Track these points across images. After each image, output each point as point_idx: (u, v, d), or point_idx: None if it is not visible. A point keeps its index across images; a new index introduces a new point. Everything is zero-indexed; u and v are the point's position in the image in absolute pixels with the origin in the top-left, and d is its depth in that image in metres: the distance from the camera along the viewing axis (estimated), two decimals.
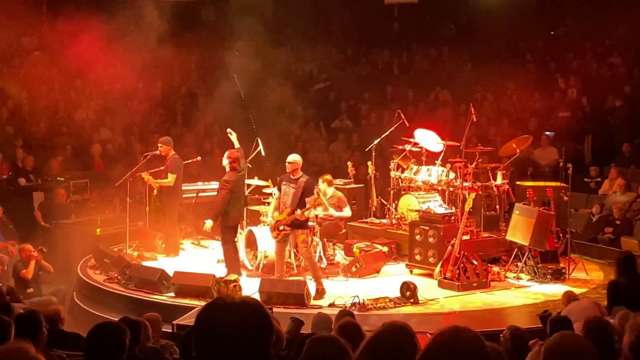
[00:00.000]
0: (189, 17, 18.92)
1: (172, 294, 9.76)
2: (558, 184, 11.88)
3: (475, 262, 10.15)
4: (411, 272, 10.93)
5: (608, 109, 16.31)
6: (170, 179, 11.79)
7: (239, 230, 11.16)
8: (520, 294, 10.03)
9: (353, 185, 13.08)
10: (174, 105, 18.64)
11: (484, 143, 12.53)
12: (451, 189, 11.54)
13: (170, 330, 8.30)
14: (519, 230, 10.56)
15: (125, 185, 11.96)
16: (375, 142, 12.83)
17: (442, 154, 11.88)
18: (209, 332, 2.51)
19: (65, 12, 15.97)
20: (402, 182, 12.25)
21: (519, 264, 10.70)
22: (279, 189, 9.97)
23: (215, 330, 2.50)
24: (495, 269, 10.77)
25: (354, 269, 10.86)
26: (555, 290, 9.97)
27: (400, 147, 12.39)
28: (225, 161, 10.57)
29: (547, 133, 15.68)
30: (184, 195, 12.60)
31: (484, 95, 17.41)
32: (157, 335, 6.71)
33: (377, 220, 12.62)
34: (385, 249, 11.44)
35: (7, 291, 8.14)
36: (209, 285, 9.45)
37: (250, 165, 11.63)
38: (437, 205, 11.17)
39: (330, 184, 11.61)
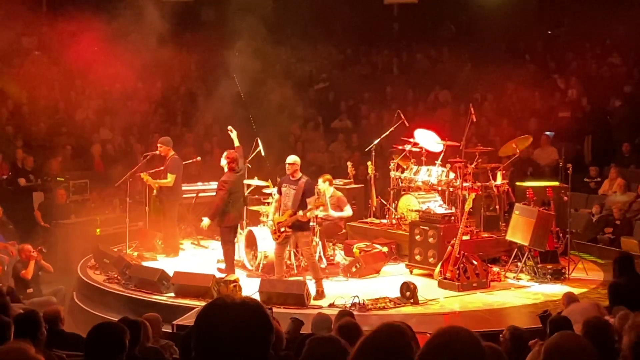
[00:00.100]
0: (189, 17, 18.92)
1: (172, 294, 9.76)
2: (558, 184, 11.88)
3: (475, 262, 10.15)
4: (411, 272, 10.93)
5: (608, 109, 16.31)
6: (170, 179, 11.79)
7: (239, 230, 11.17)
8: (520, 294, 10.03)
9: (353, 186, 13.08)
10: (173, 105, 18.64)
11: (483, 143, 12.52)
12: (451, 189, 11.54)
13: (170, 330, 8.31)
14: (518, 230, 10.56)
15: (125, 185, 11.96)
16: (375, 142, 12.83)
17: (442, 154, 11.87)
18: (209, 333, 2.51)
19: (65, 12, 15.97)
20: (402, 182, 12.25)
21: (518, 264, 10.70)
22: (279, 192, 9.97)
23: (215, 331, 2.50)
24: (495, 269, 10.77)
25: (354, 269, 10.86)
26: (555, 290, 9.97)
27: (400, 147, 12.39)
28: (223, 161, 10.57)
29: (547, 133, 15.67)
30: (184, 196, 12.60)
31: (483, 95, 17.40)
32: (157, 335, 6.71)
33: (377, 221, 12.62)
34: (385, 249, 11.44)
35: (7, 291, 8.14)
36: (209, 286, 9.46)
37: (250, 166, 11.63)
38: (437, 206, 11.17)
39: (330, 183, 11.62)
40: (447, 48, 19.44)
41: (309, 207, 9.62)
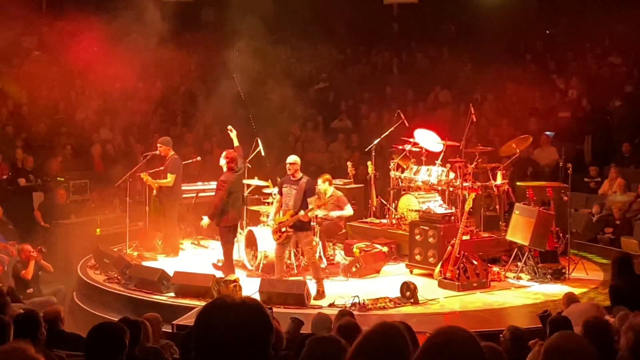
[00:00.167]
0: (189, 17, 18.94)
1: (172, 294, 9.76)
2: (558, 184, 11.87)
3: (475, 262, 10.15)
4: (411, 272, 10.93)
5: (608, 109, 16.31)
6: (170, 179, 11.79)
7: (239, 230, 11.17)
8: (520, 294, 10.03)
9: (353, 185, 13.08)
10: (173, 106, 18.64)
11: (483, 143, 12.52)
12: (451, 189, 11.54)
13: (170, 330, 8.30)
14: (519, 230, 10.55)
15: (125, 185, 11.96)
16: (375, 142, 12.82)
17: (442, 154, 11.87)
18: (209, 333, 2.51)
19: (65, 12, 16.01)
20: (402, 182, 12.25)
21: (519, 264, 10.69)
22: (280, 192, 9.97)
23: (215, 331, 2.50)
24: (495, 269, 10.77)
25: (354, 269, 10.86)
26: (555, 290, 9.96)
27: (400, 147, 12.39)
28: (222, 161, 10.57)
29: (547, 133, 15.67)
30: (184, 196, 12.60)
31: (483, 95, 17.40)
32: (157, 335, 6.71)
33: (377, 220, 12.62)
34: (385, 249, 11.44)
35: (7, 291, 8.14)
36: (209, 286, 9.45)
37: (250, 165, 11.63)
38: (437, 205, 11.17)
39: (330, 183, 11.62)
40: (447, 48, 19.44)
41: (310, 206, 9.63)
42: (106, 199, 14.46)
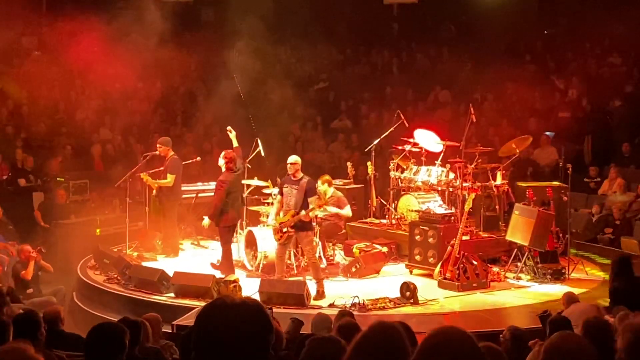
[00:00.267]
0: (189, 17, 18.93)
1: (172, 295, 9.76)
2: (558, 184, 11.88)
3: (475, 263, 10.15)
4: (411, 272, 10.93)
5: (608, 109, 16.30)
6: (169, 179, 11.79)
7: (239, 230, 11.16)
8: (520, 294, 10.03)
9: (353, 186, 13.08)
10: (173, 106, 18.64)
11: (483, 143, 12.52)
12: (451, 189, 11.54)
13: (170, 331, 8.31)
14: (518, 230, 10.55)
15: (125, 185, 11.96)
16: (375, 142, 12.82)
17: (442, 154, 11.87)
18: (209, 333, 2.51)
19: (65, 12, 15.98)
20: (401, 183, 12.24)
21: (518, 264, 10.69)
22: (281, 192, 9.97)
23: (215, 331, 2.50)
24: (495, 269, 10.77)
25: (353, 269, 10.86)
26: (555, 290, 9.96)
27: (400, 148, 12.38)
28: (221, 161, 10.58)
29: (547, 133, 15.67)
30: (184, 196, 12.59)
31: (483, 95, 17.40)
32: (157, 335, 6.71)
33: (377, 221, 12.62)
34: (385, 249, 11.44)
35: (7, 291, 8.14)
36: (209, 286, 9.45)
37: (249, 166, 11.63)
38: (436, 206, 11.17)
39: (330, 184, 11.62)
40: (447, 48, 19.44)
41: (311, 206, 9.63)
42: (106, 199, 14.46)
